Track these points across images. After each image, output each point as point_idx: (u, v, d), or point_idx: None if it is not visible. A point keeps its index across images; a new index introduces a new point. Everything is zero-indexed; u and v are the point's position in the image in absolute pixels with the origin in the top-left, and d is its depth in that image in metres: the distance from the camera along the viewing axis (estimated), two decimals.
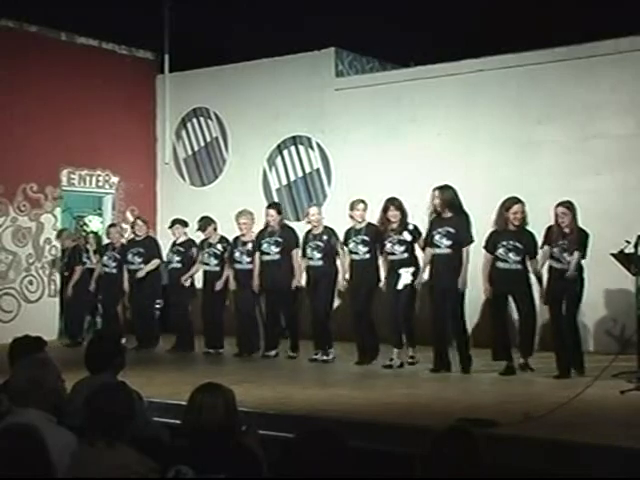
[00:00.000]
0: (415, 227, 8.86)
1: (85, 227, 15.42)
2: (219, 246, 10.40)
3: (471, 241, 8.49)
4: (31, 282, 12.14)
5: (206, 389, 3.78)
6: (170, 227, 10.87)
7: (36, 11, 11.89)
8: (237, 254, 10.11)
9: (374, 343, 9.22)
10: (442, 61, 11.08)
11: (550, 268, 8.21)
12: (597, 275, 8.43)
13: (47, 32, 12.45)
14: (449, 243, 8.44)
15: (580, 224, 8.15)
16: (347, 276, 9.36)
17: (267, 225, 9.94)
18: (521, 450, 5.38)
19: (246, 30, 12.65)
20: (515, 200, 8.36)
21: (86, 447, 3.60)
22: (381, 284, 9.17)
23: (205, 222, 10.46)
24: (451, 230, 8.45)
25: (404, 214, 8.87)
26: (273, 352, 9.84)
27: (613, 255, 7.98)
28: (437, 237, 8.50)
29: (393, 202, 8.87)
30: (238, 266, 10.11)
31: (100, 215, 13.90)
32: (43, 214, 12.34)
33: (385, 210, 8.88)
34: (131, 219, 12.94)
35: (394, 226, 8.83)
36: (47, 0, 11.94)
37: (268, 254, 9.81)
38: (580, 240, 8.05)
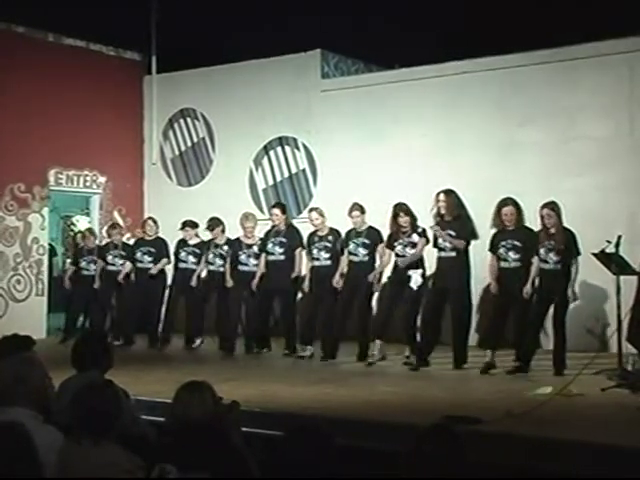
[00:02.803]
0: (424, 230, 8.99)
1: (73, 227, 15.49)
2: (225, 247, 10.51)
3: (471, 239, 8.62)
4: (19, 281, 12.15)
5: (191, 387, 3.82)
6: (181, 229, 10.89)
7: (23, 12, 11.88)
8: (243, 257, 10.22)
9: (366, 342, 9.39)
10: (426, 63, 11.17)
11: (539, 269, 8.26)
12: (579, 275, 8.51)
13: (34, 33, 12.44)
14: (452, 246, 8.59)
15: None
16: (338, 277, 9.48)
17: (273, 225, 10.08)
18: (504, 447, 5.43)
19: (233, 32, 12.68)
20: (505, 202, 8.46)
21: (73, 445, 3.61)
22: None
23: (214, 223, 10.57)
24: (452, 233, 8.59)
25: (413, 217, 9.02)
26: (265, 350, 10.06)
27: (594, 255, 8.07)
28: (440, 240, 8.69)
29: (402, 208, 8.98)
30: (244, 268, 10.21)
31: (87, 215, 13.93)
32: (30, 214, 12.34)
33: (395, 217, 8.99)
34: (119, 219, 12.98)
35: (404, 229, 8.98)
36: (34, 1, 11.95)
37: (273, 254, 9.96)
38: (567, 240, 8.13)
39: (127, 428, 3.90)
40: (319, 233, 9.77)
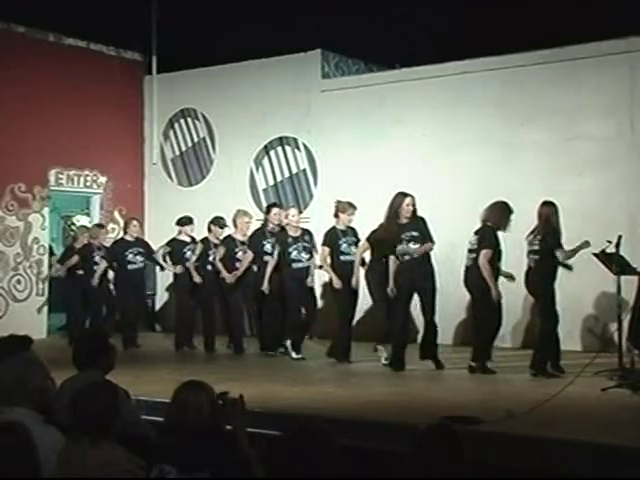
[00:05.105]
0: None
1: (73, 227, 15.47)
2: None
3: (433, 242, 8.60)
4: (19, 281, 12.16)
5: (189, 387, 3.82)
6: (186, 225, 10.82)
7: (23, 12, 11.90)
8: (240, 254, 10.12)
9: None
10: (426, 63, 11.17)
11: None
12: (580, 274, 8.51)
13: (35, 33, 12.45)
14: (417, 247, 8.49)
15: (562, 224, 8.26)
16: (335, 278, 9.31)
17: (265, 225, 10.01)
18: (503, 447, 5.43)
19: (233, 31, 12.69)
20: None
21: (73, 445, 3.61)
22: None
23: (225, 221, 10.59)
24: (415, 234, 8.50)
25: None
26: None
27: (595, 255, 8.07)
28: (403, 245, 8.53)
29: None
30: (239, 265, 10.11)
31: (88, 215, 13.92)
32: (31, 214, 12.35)
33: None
34: (120, 219, 12.97)
35: None
36: (34, 1, 11.96)
37: (271, 255, 9.77)
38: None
39: (127, 428, 3.90)
40: (293, 234, 9.61)
